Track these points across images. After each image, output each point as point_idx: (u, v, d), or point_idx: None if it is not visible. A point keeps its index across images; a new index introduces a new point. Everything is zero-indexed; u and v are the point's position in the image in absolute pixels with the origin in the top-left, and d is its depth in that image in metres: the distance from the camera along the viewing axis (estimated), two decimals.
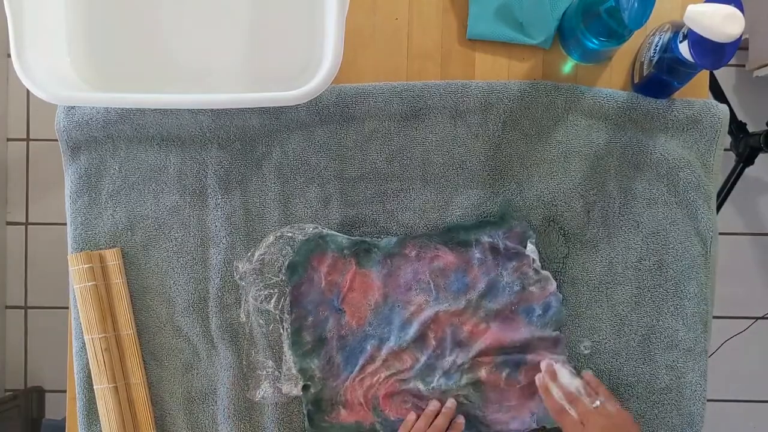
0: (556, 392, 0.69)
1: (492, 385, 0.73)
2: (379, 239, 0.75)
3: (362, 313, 0.74)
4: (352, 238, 0.75)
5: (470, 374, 0.73)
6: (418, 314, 0.73)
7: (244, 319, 0.75)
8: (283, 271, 0.75)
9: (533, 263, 0.73)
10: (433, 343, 0.73)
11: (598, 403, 0.66)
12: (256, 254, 0.74)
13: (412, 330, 0.73)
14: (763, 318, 1.51)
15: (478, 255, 0.73)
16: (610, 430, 0.65)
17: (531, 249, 0.73)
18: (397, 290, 0.74)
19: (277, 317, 0.74)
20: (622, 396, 0.74)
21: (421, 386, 0.73)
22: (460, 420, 0.72)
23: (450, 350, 0.73)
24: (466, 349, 0.73)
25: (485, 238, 0.73)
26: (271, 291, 0.75)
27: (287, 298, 0.74)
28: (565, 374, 0.70)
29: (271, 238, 0.75)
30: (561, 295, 0.74)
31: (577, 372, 0.72)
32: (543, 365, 0.71)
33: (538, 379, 0.71)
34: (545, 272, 0.73)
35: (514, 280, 0.73)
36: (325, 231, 0.75)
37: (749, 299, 1.49)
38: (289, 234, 0.74)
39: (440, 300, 0.73)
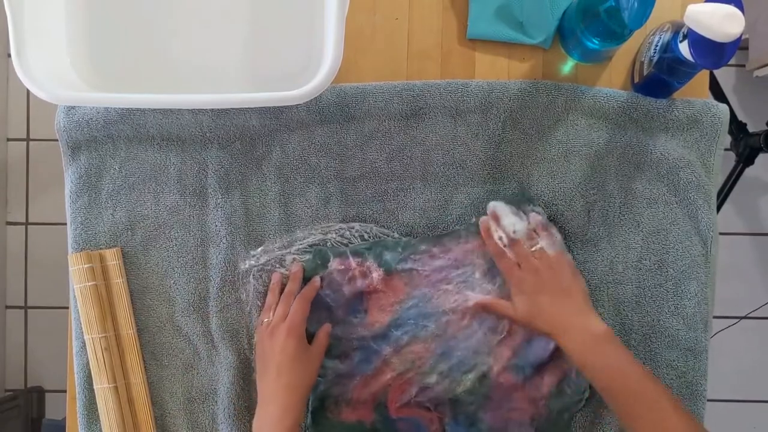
0: (497, 235, 0.68)
1: (499, 383, 0.72)
2: (393, 240, 0.75)
3: (384, 315, 0.73)
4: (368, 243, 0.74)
5: (479, 369, 0.72)
6: (441, 308, 0.73)
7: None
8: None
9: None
10: (452, 332, 0.72)
11: (537, 246, 0.66)
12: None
13: (431, 322, 0.72)
14: (763, 318, 1.51)
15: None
16: (544, 271, 0.64)
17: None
18: (420, 291, 0.73)
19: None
20: None
21: (428, 380, 0.72)
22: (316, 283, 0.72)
23: (465, 342, 0.72)
24: (485, 338, 0.72)
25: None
26: None
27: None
28: (508, 216, 0.69)
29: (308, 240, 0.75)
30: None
31: (526, 215, 0.71)
32: (489, 207, 0.71)
33: (482, 221, 0.70)
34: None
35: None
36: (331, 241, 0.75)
37: (749, 299, 1.49)
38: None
39: (462, 291, 0.73)
